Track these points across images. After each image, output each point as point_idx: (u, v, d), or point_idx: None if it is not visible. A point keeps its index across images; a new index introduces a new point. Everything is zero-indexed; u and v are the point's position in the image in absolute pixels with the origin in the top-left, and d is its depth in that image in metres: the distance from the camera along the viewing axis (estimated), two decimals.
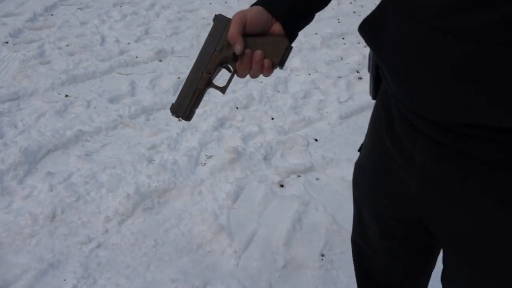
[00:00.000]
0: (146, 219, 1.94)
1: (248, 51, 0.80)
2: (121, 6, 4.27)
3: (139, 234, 1.87)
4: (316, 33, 3.88)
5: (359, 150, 1.05)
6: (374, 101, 2.66)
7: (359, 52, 3.51)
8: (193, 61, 0.84)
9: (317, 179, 2.20)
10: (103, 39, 3.57)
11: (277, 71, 3.17)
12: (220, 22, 0.83)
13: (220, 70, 0.87)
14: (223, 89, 0.86)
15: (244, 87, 2.99)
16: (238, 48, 0.79)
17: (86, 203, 1.98)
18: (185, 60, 3.35)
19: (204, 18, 4.10)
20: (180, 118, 0.85)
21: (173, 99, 2.82)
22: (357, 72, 3.25)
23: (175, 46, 3.51)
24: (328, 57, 3.45)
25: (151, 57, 3.33)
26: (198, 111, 2.67)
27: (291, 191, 2.10)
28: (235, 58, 0.82)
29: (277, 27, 0.82)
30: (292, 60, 3.38)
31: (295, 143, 2.42)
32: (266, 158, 2.31)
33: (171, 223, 1.93)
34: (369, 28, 0.74)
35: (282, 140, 2.42)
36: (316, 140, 2.48)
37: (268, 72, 0.82)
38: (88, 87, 2.92)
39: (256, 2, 0.85)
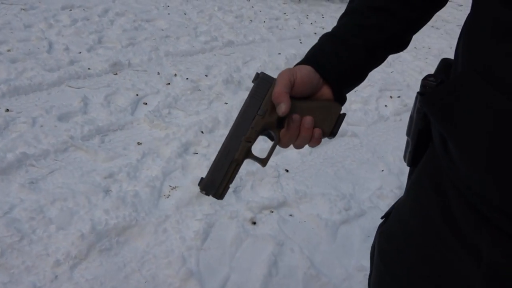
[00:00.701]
0: (103, 263, 1.70)
1: (296, 116, 0.68)
2: (70, 10, 3.94)
3: (95, 281, 1.63)
4: (280, 53, 3.80)
5: (382, 218, 0.92)
6: (343, 130, 2.56)
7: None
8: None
9: (290, 215, 2.07)
10: (50, 45, 3.25)
11: (242, 93, 3.03)
12: (263, 81, 0.70)
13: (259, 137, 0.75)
14: (264, 161, 0.73)
15: (208, 109, 2.82)
16: (282, 108, 0.66)
17: (31, 244, 1.71)
18: (142, 74, 3.11)
19: (162, 30, 3.88)
20: (212, 196, 0.71)
21: (131, 119, 2.58)
22: None
23: (131, 58, 3.27)
24: None
25: (105, 69, 3.06)
26: (159, 134, 2.47)
27: (265, 230, 1.95)
28: (279, 124, 0.70)
29: (326, 91, 0.71)
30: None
31: (265, 174, 2.28)
32: (236, 190, 2.15)
33: (132, 267, 1.70)
34: (439, 101, 0.62)
35: (252, 170, 2.27)
36: (287, 170, 2.36)
37: (317, 143, 0.70)
38: (33, 100, 2.61)
39: (305, 60, 0.72)
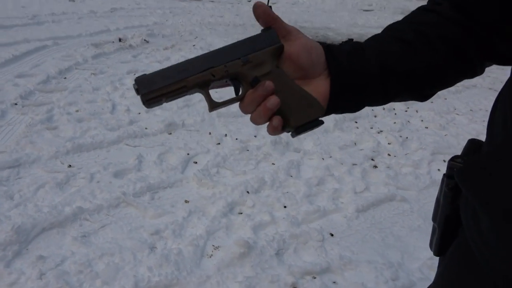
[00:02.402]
0: None
1: (269, 86, 0.63)
2: (135, 74, 4.28)
3: None
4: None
5: None
6: (392, 194, 2.49)
7: (373, 139, 3.43)
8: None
9: (334, 282, 1.99)
10: (113, 107, 3.51)
11: (290, 153, 3.06)
12: (270, 37, 0.66)
13: (224, 85, 0.68)
14: (212, 105, 0.66)
15: (255, 169, 2.86)
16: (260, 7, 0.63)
17: None
18: (195, 134, 3.26)
19: (216, 92, 4.06)
20: (140, 96, 0.62)
21: (181, 177, 2.68)
22: (372, 160, 3.14)
23: (186, 119, 3.44)
24: (341, 141, 3.37)
25: (160, 129, 3.24)
26: (206, 192, 2.53)
27: None
28: (253, 83, 0.64)
29: (320, 84, 0.66)
30: (305, 142, 3.29)
31: (309, 237, 2.24)
32: (278, 253, 2.12)
33: None
34: (475, 176, 0.60)
35: (296, 233, 2.24)
36: (332, 235, 2.30)
37: (273, 131, 0.65)
38: (93, 157, 2.80)
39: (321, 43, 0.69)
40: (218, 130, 3.35)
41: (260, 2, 0.66)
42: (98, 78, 4.08)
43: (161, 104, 0.63)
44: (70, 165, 2.67)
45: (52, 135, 2.97)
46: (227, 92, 0.73)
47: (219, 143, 3.14)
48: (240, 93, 0.66)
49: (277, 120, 0.64)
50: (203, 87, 0.64)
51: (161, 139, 3.12)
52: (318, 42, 0.68)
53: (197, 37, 6.05)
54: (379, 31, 0.73)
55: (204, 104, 3.76)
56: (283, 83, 0.65)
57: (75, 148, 2.83)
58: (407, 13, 0.75)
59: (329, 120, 3.68)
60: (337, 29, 7.75)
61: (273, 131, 0.65)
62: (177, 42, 5.67)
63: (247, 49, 0.65)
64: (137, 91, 0.62)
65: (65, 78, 4.00)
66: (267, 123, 0.65)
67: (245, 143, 3.16)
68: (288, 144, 3.21)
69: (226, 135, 3.27)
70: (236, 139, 3.21)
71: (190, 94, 0.65)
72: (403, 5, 11.81)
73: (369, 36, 0.73)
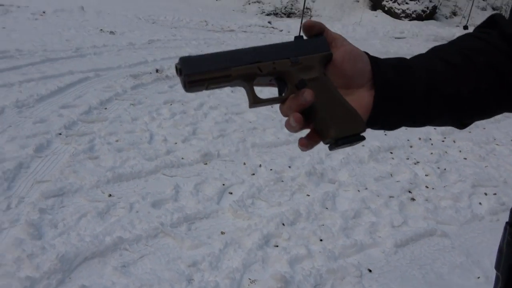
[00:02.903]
0: None
1: (308, 94, 0.60)
2: (171, 104, 4.41)
3: None
4: (363, 145, 3.81)
5: None
6: (431, 228, 2.42)
7: (410, 170, 3.38)
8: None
9: None
10: (151, 137, 3.62)
11: (324, 185, 3.05)
12: (319, 44, 0.65)
13: (268, 84, 0.66)
14: (254, 101, 0.63)
15: (290, 200, 2.86)
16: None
17: None
18: (230, 164, 3.30)
19: (250, 122, 4.14)
20: (181, 78, 0.59)
21: (217, 208, 2.71)
22: (409, 192, 3.08)
23: (221, 149, 3.50)
24: (377, 173, 3.33)
25: (196, 159, 3.30)
26: (242, 224, 2.54)
27: None
28: (300, 85, 0.62)
29: (363, 95, 0.65)
30: (340, 173, 3.27)
31: (347, 272, 2.20)
32: None
33: None
34: None
35: (333, 268, 2.21)
36: (370, 270, 2.26)
37: (304, 146, 0.63)
38: (132, 187, 2.87)
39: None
40: (252, 161, 3.38)
41: (309, 20, 0.67)
42: (137, 108, 4.22)
43: (201, 89, 0.60)
44: (110, 195, 2.75)
45: (94, 164, 3.07)
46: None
47: (253, 174, 3.17)
48: (284, 93, 0.64)
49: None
50: (248, 80, 0.62)
51: (197, 169, 3.18)
52: (365, 52, 0.68)
53: None
54: None
55: (239, 134, 3.82)
56: (329, 91, 0.63)
57: (115, 177, 2.92)
58: (440, 40, 0.75)
59: (364, 150, 3.65)
60: None
61: (304, 146, 0.63)
62: None
63: (297, 50, 0.64)
64: (180, 71, 0.59)
65: (106, 108, 4.16)
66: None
67: (279, 174, 3.17)
68: (323, 175, 3.20)
69: (260, 165, 3.30)
70: (271, 169, 3.23)
71: (232, 85, 0.62)
72: (436, 32, 11.73)
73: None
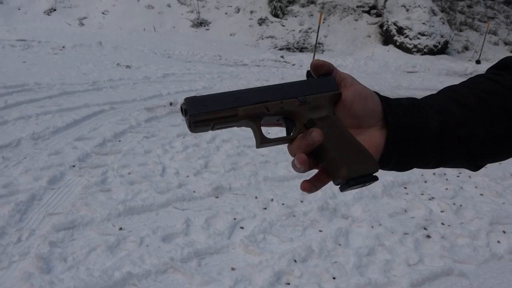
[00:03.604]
0: None
1: (316, 134, 0.60)
2: (184, 137, 4.44)
3: None
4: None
5: None
6: (448, 267, 2.34)
7: (425, 206, 3.31)
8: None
9: None
10: (163, 169, 3.63)
11: (337, 220, 2.99)
12: (330, 83, 0.65)
13: (275, 124, 0.66)
14: (262, 141, 0.62)
15: (302, 236, 2.81)
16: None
17: None
18: (241, 198, 3.28)
19: (262, 155, 4.14)
20: (186, 118, 0.59)
21: (227, 243, 2.67)
22: (425, 229, 3.01)
23: (232, 182, 3.49)
24: (391, 208, 3.27)
25: (208, 192, 3.29)
26: (253, 260, 2.49)
27: None
28: (309, 124, 0.62)
29: (373, 137, 0.65)
30: (353, 208, 3.22)
31: None
32: None
33: None
34: None
35: None
36: None
37: (307, 190, 0.62)
38: (143, 220, 2.86)
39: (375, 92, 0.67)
40: (264, 195, 3.36)
41: (317, 59, 0.67)
42: (150, 141, 4.26)
43: (207, 130, 0.60)
44: (121, 228, 2.73)
45: (106, 197, 3.08)
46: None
47: (265, 208, 3.13)
48: (292, 133, 0.64)
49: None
50: (255, 119, 0.62)
51: (208, 203, 3.16)
52: (375, 92, 0.68)
53: None
54: (424, 93, 0.74)
55: (251, 168, 3.81)
56: (339, 130, 0.63)
57: (127, 210, 2.91)
58: (452, 74, 0.75)
59: (377, 185, 3.60)
60: (381, 91, 7.77)
61: (307, 188, 0.62)
62: None
63: (305, 90, 0.64)
64: (185, 111, 0.59)
65: (120, 141, 4.21)
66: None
67: (291, 208, 3.13)
68: (335, 210, 3.15)
69: (272, 199, 3.27)
70: (283, 204, 3.19)
71: (239, 125, 0.62)
72: (448, 67, 11.78)
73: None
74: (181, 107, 0.60)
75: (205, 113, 0.59)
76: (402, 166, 0.67)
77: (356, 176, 0.61)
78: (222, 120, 0.60)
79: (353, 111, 0.65)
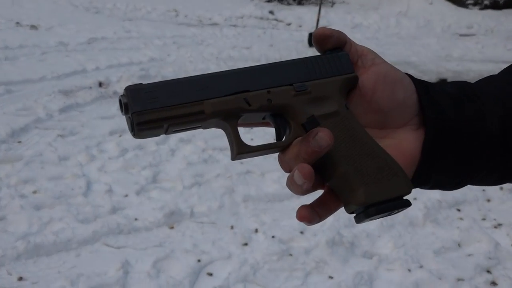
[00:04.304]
0: None
1: (325, 135, 0.59)
2: (120, 136, 4.40)
3: None
4: (415, 198, 3.78)
5: None
6: None
7: (487, 237, 3.34)
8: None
9: None
10: (88, 186, 3.59)
11: (356, 260, 3.00)
12: (338, 62, 0.66)
13: (259, 123, 0.68)
14: (240, 150, 0.62)
15: (303, 286, 2.80)
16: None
17: None
18: (209, 229, 3.26)
19: (242, 163, 4.12)
20: (128, 117, 0.60)
21: None
22: (488, 272, 3.04)
23: (195, 205, 3.47)
24: (437, 241, 3.29)
25: (158, 220, 3.26)
26: None
27: None
28: (310, 124, 0.62)
29: (405, 141, 0.66)
30: (379, 242, 3.23)
31: None
32: None
33: None
34: None
35: None
36: None
37: (306, 220, 0.63)
38: (55, 265, 2.82)
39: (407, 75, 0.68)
40: (244, 223, 3.34)
41: (322, 27, 0.67)
42: (68, 142, 4.22)
43: (159, 134, 0.61)
44: (21, 278, 2.69)
45: None
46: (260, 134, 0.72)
47: (246, 244, 3.12)
48: (285, 137, 0.65)
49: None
50: (229, 118, 0.63)
51: (158, 237, 3.13)
52: (407, 74, 0.68)
53: None
54: (485, 67, 0.73)
55: (224, 182, 3.79)
56: (354, 134, 0.64)
57: (30, 250, 2.87)
58: None
59: (416, 207, 3.63)
60: (421, 65, 7.89)
61: (307, 219, 0.63)
62: None
63: (304, 73, 0.65)
64: (125, 107, 0.60)
65: (20, 142, 4.15)
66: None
67: (286, 244, 3.12)
68: (353, 246, 3.15)
69: (257, 230, 3.26)
70: (273, 237, 3.18)
71: (206, 127, 0.63)
72: None
73: (474, 75, 0.72)
74: (120, 100, 0.60)
75: (155, 110, 0.59)
76: (448, 183, 0.69)
77: (379, 201, 0.62)
78: (181, 120, 0.60)
79: (375, 103, 0.66)
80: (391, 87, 0.65)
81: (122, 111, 0.60)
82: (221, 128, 0.64)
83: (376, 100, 0.65)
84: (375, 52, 0.67)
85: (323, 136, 0.59)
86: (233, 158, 0.63)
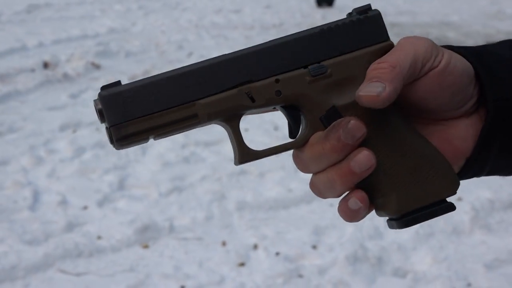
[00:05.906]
0: None
1: (356, 125, 0.61)
2: (74, 131, 4.43)
3: None
4: (460, 199, 3.82)
5: None
6: None
7: None
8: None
9: None
10: (35, 196, 3.61)
11: (385, 280, 3.05)
12: (369, 26, 0.66)
13: (268, 109, 0.68)
14: (244, 157, 0.65)
15: None
16: (384, 91, 0.60)
17: None
18: (194, 247, 3.29)
19: (232, 159, 4.15)
20: (106, 128, 0.61)
21: None
22: None
23: (175, 216, 3.50)
24: (489, 253, 3.33)
25: (127, 238, 3.29)
26: None
27: None
28: (329, 118, 0.63)
29: (458, 131, 0.69)
30: (415, 255, 3.27)
31: None
32: None
33: None
34: None
35: None
36: None
37: (350, 217, 0.65)
38: None
39: (460, 49, 0.70)
40: (239, 237, 3.37)
41: None
42: (7, 140, 4.24)
43: (145, 142, 0.63)
44: None
45: None
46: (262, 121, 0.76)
47: (242, 264, 3.15)
48: (300, 133, 0.67)
49: (359, 196, 0.64)
50: (230, 119, 0.65)
51: (128, 259, 3.16)
52: (461, 49, 0.70)
53: (191, 53, 6.26)
54: None
55: (211, 185, 3.83)
56: (389, 127, 0.65)
57: None
58: None
59: (461, 209, 3.66)
60: (463, 25, 7.88)
61: (349, 216, 0.66)
62: (154, 64, 5.88)
63: (321, 48, 0.66)
64: (101, 114, 0.61)
65: None
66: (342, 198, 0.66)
67: (294, 262, 3.15)
68: (381, 261, 3.19)
69: (256, 246, 3.29)
70: (277, 254, 3.21)
71: (201, 126, 0.65)
72: None
73: None
74: (95, 107, 0.62)
75: (137, 119, 0.62)
76: (505, 169, 0.73)
77: (417, 207, 0.65)
78: (170, 128, 0.63)
79: (424, 104, 0.68)
80: (449, 92, 0.67)
81: (98, 118, 0.63)
82: (221, 126, 0.67)
83: (426, 104, 0.68)
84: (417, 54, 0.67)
85: (356, 124, 0.62)
86: (238, 164, 0.67)
